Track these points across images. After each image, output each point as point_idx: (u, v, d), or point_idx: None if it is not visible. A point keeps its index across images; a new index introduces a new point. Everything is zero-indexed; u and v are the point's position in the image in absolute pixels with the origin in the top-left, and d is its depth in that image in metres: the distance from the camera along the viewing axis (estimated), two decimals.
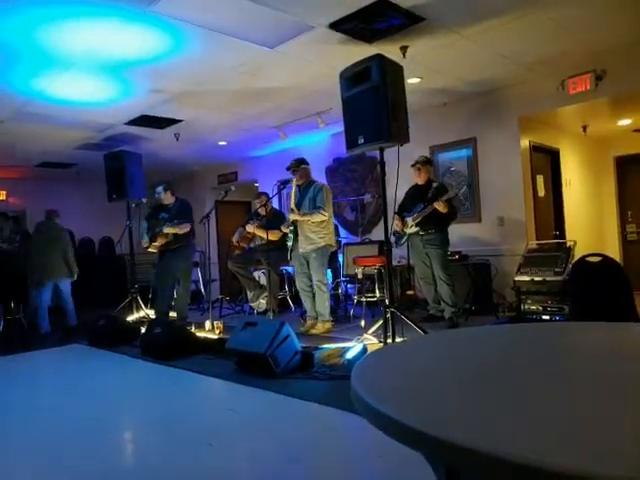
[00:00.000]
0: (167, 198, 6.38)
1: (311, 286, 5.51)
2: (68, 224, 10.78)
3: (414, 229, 5.47)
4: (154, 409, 3.57)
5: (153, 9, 3.79)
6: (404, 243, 5.65)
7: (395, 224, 5.56)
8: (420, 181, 5.61)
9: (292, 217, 5.43)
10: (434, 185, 5.49)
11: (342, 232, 7.97)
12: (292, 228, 5.52)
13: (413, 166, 5.58)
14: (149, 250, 6.33)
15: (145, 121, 6.83)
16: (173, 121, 6.92)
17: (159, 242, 6.09)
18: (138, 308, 6.52)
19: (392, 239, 5.51)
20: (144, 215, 6.56)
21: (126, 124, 6.91)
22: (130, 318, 6.41)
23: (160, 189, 6.36)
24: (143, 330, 5.68)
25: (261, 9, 3.89)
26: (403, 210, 5.61)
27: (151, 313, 6.46)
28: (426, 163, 5.65)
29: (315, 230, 5.36)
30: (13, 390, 4.29)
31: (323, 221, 5.35)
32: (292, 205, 5.48)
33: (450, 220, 5.46)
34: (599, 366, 1.15)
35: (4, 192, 10.22)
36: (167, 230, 6.02)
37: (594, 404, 0.89)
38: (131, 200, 6.73)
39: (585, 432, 0.77)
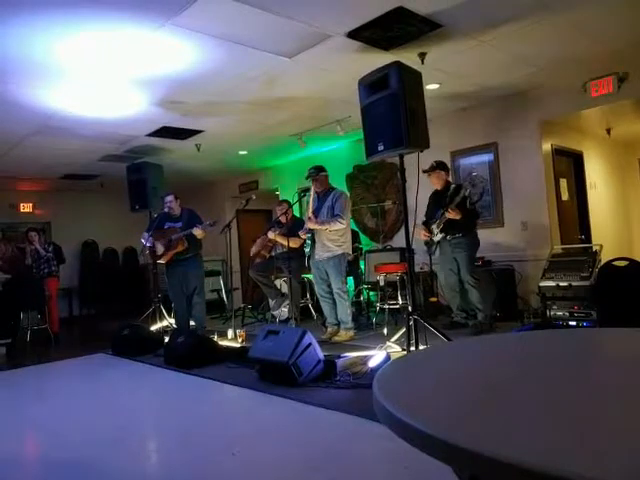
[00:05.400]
0: (176, 207, 6.39)
1: (330, 292, 5.50)
2: (92, 235, 11.04)
3: (440, 236, 5.43)
4: (177, 418, 3.58)
5: (174, 22, 3.85)
6: (435, 250, 5.58)
7: (422, 235, 5.50)
8: (437, 187, 5.56)
9: (310, 225, 5.43)
10: (452, 188, 5.43)
11: (363, 239, 7.95)
12: (310, 235, 5.52)
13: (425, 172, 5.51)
14: (160, 261, 6.34)
15: (166, 132, 6.91)
16: (194, 132, 7.00)
17: (178, 249, 6.09)
18: (161, 317, 6.57)
19: (425, 249, 5.58)
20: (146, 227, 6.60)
21: (148, 135, 7.00)
22: (153, 327, 6.46)
23: (171, 198, 6.34)
24: (166, 339, 5.72)
25: (279, 20, 3.92)
26: (429, 218, 5.56)
27: (174, 322, 6.50)
28: (436, 168, 5.51)
29: (332, 238, 5.35)
30: (40, 399, 4.35)
31: (341, 229, 5.34)
32: (309, 213, 5.47)
33: (472, 220, 5.36)
34: (629, 373, 1.12)
35: (31, 204, 10.44)
36: (196, 232, 6.00)
37: (623, 414, 0.87)
38: (153, 210, 6.80)
39: (615, 443, 0.75)
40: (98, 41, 4.12)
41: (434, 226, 5.43)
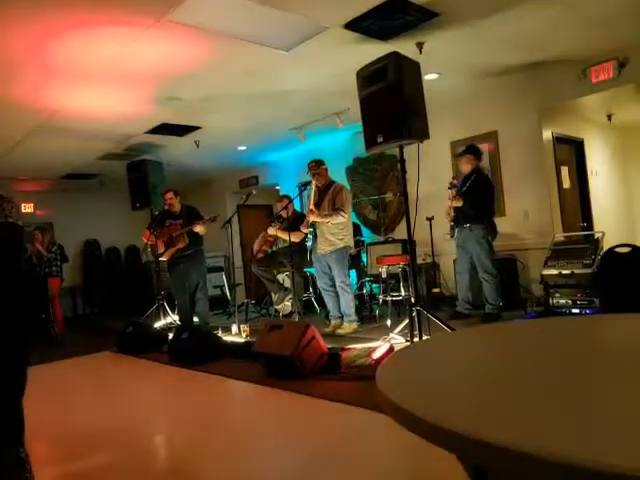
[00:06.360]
0: (176, 204, 6.38)
1: (332, 286, 5.51)
2: (94, 234, 11.05)
3: (451, 224, 5.44)
4: (184, 413, 3.60)
5: (169, 18, 3.83)
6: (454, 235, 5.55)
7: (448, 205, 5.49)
8: (465, 171, 5.52)
9: (312, 218, 5.43)
10: (472, 177, 5.40)
11: (364, 232, 7.94)
12: (312, 229, 5.52)
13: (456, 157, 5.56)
14: (162, 259, 6.35)
15: (165, 129, 6.90)
16: (193, 128, 6.98)
17: (179, 246, 6.10)
18: (165, 314, 6.59)
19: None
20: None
21: (147, 133, 6.99)
22: (157, 324, 6.48)
23: (171, 195, 6.33)
24: (170, 336, 5.73)
25: (275, 12, 3.89)
26: None
27: (177, 319, 6.52)
28: (465, 152, 5.51)
29: (334, 232, 5.35)
30: (48, 398, 4.36)
31: (342, 222, 5.34)
32: (311, 206, 5.47)
33: (480, 210, 5.26)
34: (632, 359, 1.12)
35: (32, 204, 10.43)
36: (197, 228, 6.03)
37: (627, 399, 0.87)
38: (154, 208, 6.80)
39: (620, 431, 0.74)
40: (95, 38, 4.10)
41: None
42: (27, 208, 10.39)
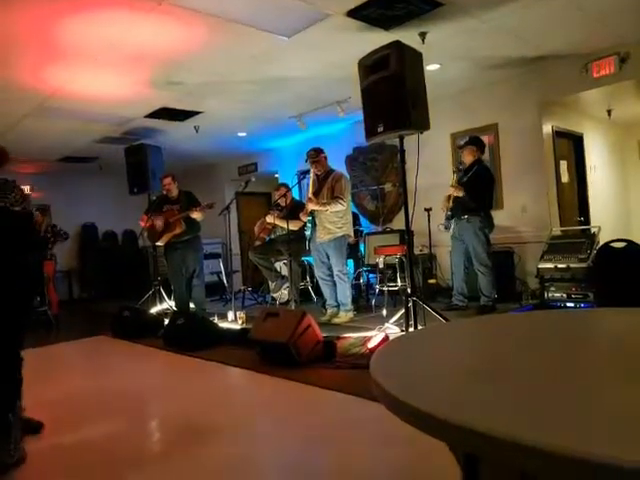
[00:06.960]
0: (173, 189, 6.35)
1: (330, 275, 5.52)
2: (91, 218, 11.02)
3: (449, 214, 5.45)
4: (178, 398, 3.62)
5: (170, 1, 3.79)
6: (451, 228, 5.56)
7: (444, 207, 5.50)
8: (467, 162, 5.53)
9: (310, 206, 5.43)
10: (474, 169, 5.40)
11: (363, 222, 7.95)
12: (310, 218, 5.52)
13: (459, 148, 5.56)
14: (158, 243, 6.34)
15: (165, 114, 6.85)
16: (192, 113, 6.94)
17: (176, 231, 6.09)
18: (161, 299, 6.60)
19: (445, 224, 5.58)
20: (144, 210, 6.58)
21: (146, 117, 6.95)
22: (153, 310, 6.49)
23: (169, 180, 6.30)
24: (166, 321, 5.75)
25: None
26: None
27: (174, 305, 6.52)
28: (469, 144, 5.52)
29: (333, 220, 5.35)
30: (42, 379, 4.38)
31: (341, 211, 5.34)
32: (310, 194, 5.47)
33: (478, 202, 5.24)
34: (626, 352, 1.13)
35: (28, 187, 10.36)
36: (194, 214, 6.03)
37: (616, 392, 0.88)
38: (152, 193, 6.77)
39: (611, 422, 0.75)
40: (96, 21, 4.07)
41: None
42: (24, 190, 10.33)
